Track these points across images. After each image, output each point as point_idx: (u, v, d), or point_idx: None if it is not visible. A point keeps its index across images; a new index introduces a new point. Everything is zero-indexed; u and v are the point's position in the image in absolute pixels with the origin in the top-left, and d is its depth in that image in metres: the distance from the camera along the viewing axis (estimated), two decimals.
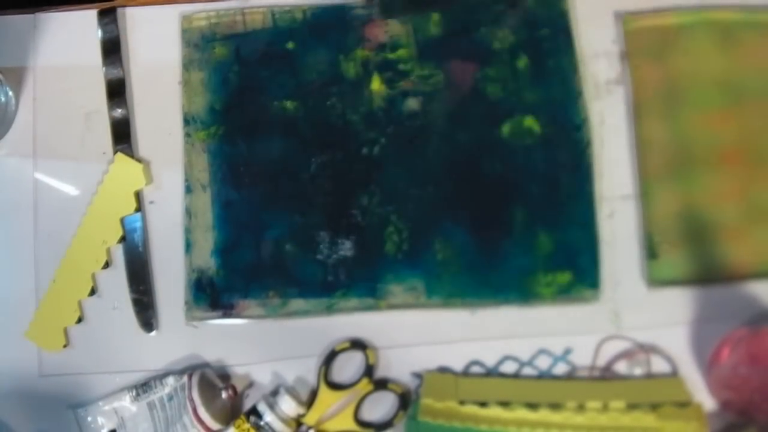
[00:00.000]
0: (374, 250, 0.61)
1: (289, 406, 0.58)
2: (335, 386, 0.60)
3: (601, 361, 0.59)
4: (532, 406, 0.56)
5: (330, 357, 0.60)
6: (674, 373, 0.58)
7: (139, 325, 0.62)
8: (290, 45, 0.64)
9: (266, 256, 0.61)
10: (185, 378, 0.59)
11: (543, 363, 0.59)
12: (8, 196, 0.64)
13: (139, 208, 0.63)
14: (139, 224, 0.63)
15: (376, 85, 0.63)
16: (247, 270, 0.61)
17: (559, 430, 0.55)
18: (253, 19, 0.64)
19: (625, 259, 0.60)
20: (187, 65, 0.64)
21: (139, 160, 0.63)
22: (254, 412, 0.58)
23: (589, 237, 0.60)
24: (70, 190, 0.64)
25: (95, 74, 0.64)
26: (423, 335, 0.60)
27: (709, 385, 0.58)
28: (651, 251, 0.59)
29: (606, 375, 0.59)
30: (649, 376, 0.58)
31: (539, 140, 0.61)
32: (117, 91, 0.64)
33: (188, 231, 0.62)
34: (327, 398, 0.59)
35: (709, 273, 0.59)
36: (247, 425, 0.58)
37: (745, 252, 0.59)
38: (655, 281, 0.59)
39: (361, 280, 0.61)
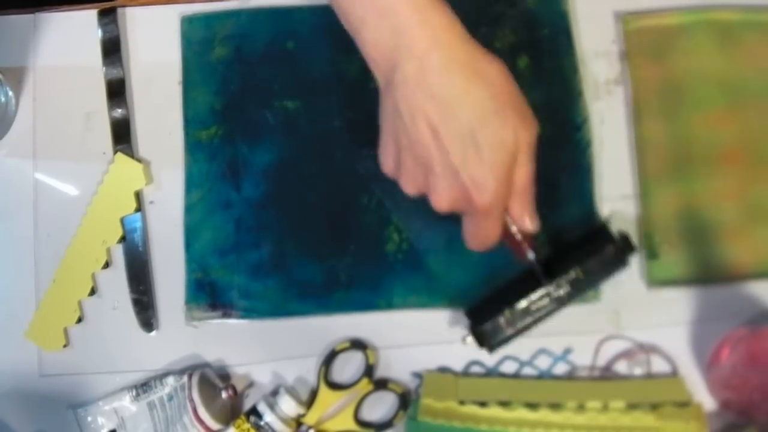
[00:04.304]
0: (374, 249, 0.61)
1: (289, 406, 0.58)
2: (335, 386, 0.60)
3: (601, 361, 0.59)
4: (532, 406, 0.56)
5: (330, 357, 0.60)
6: (674, 373, 0.58)
7: (139, 325, 0.62)
8: (290, 45, 0.64)
9: (266, 256, 0.61)
10: (185, 378, 0.59)
11: (543, 363, 0.59)
12: (8, 196, 0.64)
13: (139, 208, 0.63)
14: (139, 224, 0.62)
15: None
16: (247, 270, 0.61)
17: (559, 430, 0.55)
18: (253, 19, 0.64)
19: None
20: (187, 65, 0.64)
21: (139, 160, 0.63)
22: (254, 412, 0.58)
23: None
24: (70, 190, 0.64)
25: (95, 74, 0.64)
26: (423, 335, 0.60)
27: (709, 385, 0.58)
28: (651, 251, 0.59)
29: (606, 375, 0.59)
30: (649, 376, 0.58)
31: (539, 140, 0.61)
32: (117, 91, 0.64)
33: (188, 230, 0.62)
34: (327, 398, 0.59)
35: (709, 273, 0.59)
36: (247, 425, 0.58)
37: (745, 252, 0.59)
38: (655, 281, 0.59)
39: (361, 280, 0.61)
